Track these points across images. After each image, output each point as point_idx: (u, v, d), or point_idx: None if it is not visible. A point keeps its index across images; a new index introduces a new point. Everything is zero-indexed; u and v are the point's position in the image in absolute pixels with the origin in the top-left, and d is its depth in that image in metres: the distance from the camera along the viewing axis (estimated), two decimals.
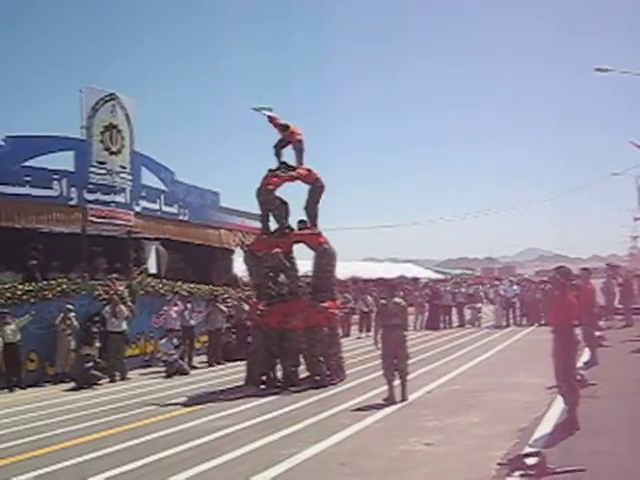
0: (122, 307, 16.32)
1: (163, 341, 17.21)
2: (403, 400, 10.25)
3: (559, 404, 8.60)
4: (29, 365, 15.65)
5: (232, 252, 25.18)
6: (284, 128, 14.35)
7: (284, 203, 14.28)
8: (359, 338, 23.37)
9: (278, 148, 14.42)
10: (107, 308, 16.26)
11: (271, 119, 14.60)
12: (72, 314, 15.99)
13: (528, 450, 6.73)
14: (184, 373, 16.21)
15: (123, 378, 15.92)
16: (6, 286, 15.70)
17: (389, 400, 10.21)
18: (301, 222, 14.34)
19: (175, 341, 16.85)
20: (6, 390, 14.74)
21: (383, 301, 11.23)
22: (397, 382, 10.42)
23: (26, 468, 7.52)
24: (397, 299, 10.90)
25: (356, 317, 26.97)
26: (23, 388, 14.96)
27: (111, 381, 15.62)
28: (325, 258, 13.75)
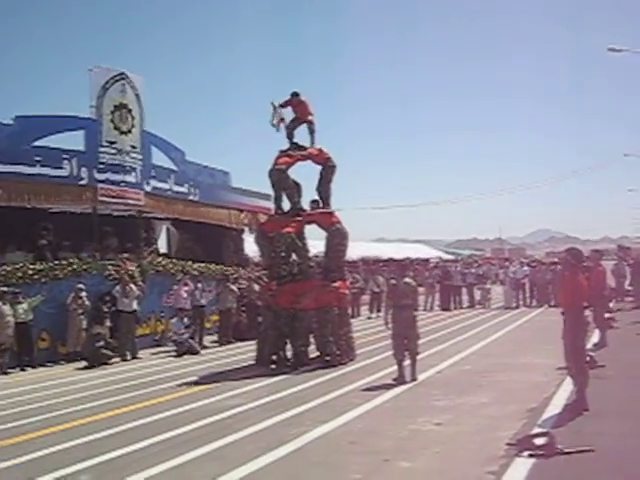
0: (132, 286, 16.37)
1: (174, 320, 17.28)
2: (413, 380, 10.28)
3: (568, 385, 8.60)
4: (41, 344, 15.74)
5: (242, 232, 25.22)
6: (295, 96, 14.28)
7: (296, 184, 14.27)
8: (369, 318, 23.41)
9: (290, 129, 14.37)
10: (117, 288, 16.30)
11: (283, 105, 14.47)
12: (83, 293, 16.08)
13: (537, 430, 6.76)
14: (194, 352, 16.28)
15: (134, 357, 16.01)
16: (17, 266, 15.76)
17: (399, 380, 10.24)
18: (314, 202, 14.32)
19: (185, 320, 16.92)
20: (18, 369, 14.86)
21: (393, 281, 11.24)
22: (407, 362, 10.45)
23: (37, 446, 7.59)
24: (407, 279, 10.90)
25: (366, 297, 26.95)
26: (34, 367, 15.07)
27: (122, 360, 15.70)
28: (337, 238, 13.74)
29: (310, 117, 14.35)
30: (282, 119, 14.38)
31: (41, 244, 17.51)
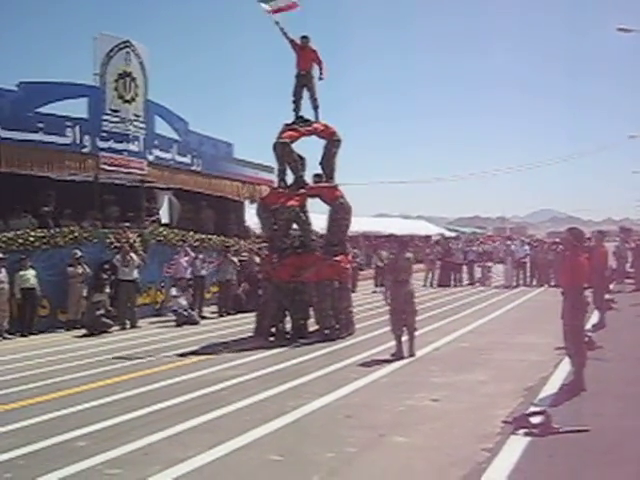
0: (133, 255, 16.36)
1: (173, 290, 17.33)
2: (411, 356, 10.30)
3: (566, 365, 8.62)
4: (41, 311, 15.79)
5: (243, 204, 25.21)
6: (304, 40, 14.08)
7: (301, 157, 14.19)
8: (374, 292, 23.45)
9: (298, 99, 14.18)
10: (118, 256, 16.31)
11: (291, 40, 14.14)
12: (81, 263, 16.05)
13: (533, 409, 6.77)
14: (194, 323, 16.32)
15: (133, 326, 16.06)
16: (19, 233, 15.75)
17: (396, 355, 10.26)
18: (317, 176, 14.26)
19: (182, 289, 16.94)
20: (18, 335, 14.91)
21: (392, 257, 11.22)
22: (405, 338, 10.46)
23: (35, 412, 7.62)
24: (407, 254, 10.87)
25: (364, 273, 27.03)
26: (34, 334, 15.13)
27: (121, 329, 15.76)
28: (340, 212, 13.70)
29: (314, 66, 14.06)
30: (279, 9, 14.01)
31: (43, 211, 17.49)
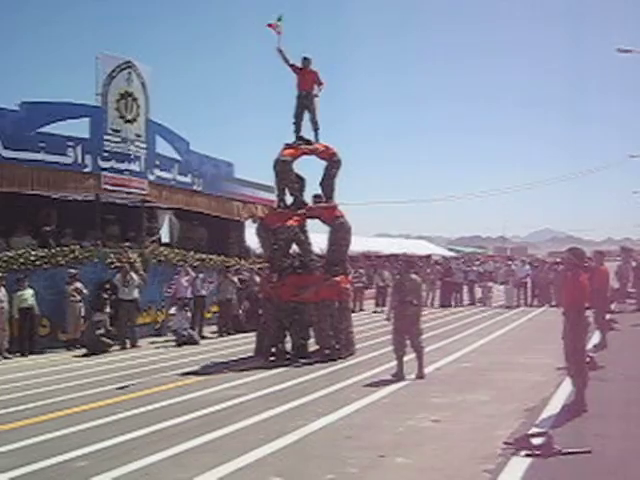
0: (133, 275, 16.37)
1: (173, 310, 17.32)
2: (419, 378, 10.21)
3: (568, 386, 8.58)
4: (41, 331, 15.79)
5: (244, 223, 25.25)
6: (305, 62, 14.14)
7: (300, 178, 14.22)
8: (375, 312, 23.41)
9: (298, 120, 14.25)
10: (118, 276, 16.31)
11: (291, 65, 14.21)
12: (78, 284, 16.04)
13: (535, 430, 6.75)
14: (194, 343, 16.29)
15: (133, 346, 16.03)
16: (19, 252, 15.78)
17: (397, 376, 10.22)
18: (316, 196, 14.28)
19: (184, 311, 16.93)
20: (18, 354, 14.89)
21: (398, 277, 11.16)
22: (406, 358, 10.43)
23: (35, 432, 7.60)
24: (413, 275, 10.84)
25: (365, 293, 26.97)
26: (35, 353, 15.10)
27: (122, 348, 15.74)
28: (340, 232, 13.72)
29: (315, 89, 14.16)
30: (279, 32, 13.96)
31: (44, 231, 17.53)
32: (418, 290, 10.78)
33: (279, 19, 14.06)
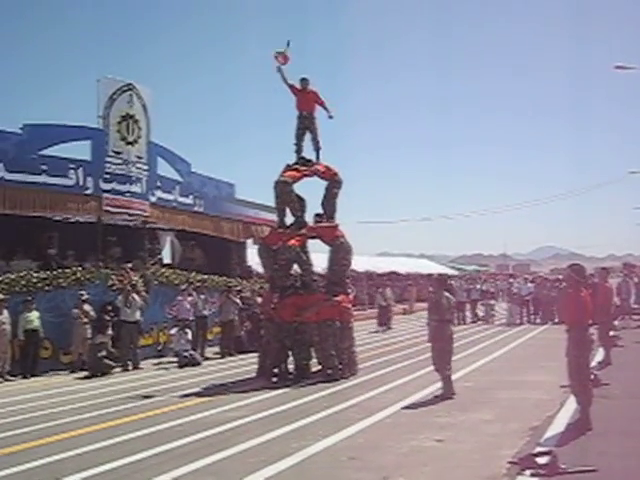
0: (135, 297, 16.36)
1: (173, 331, 17.29)
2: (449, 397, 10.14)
3: (572, 403, 8.53)
4: (43, 353, 15.76)
5: (245, 244, 25.27)
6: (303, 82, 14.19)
7: (301, 199, 14.24)
8: (376, 332, 23.33)
9: (300, 140, 14.29)
10: (120, 297, 16.30)
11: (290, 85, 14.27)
12: (87, 306, 16.05)
13: (539, 449, 6.69)
14: (196, 364, 16.24)
15: (135, 367, 15.98)
16: (21, 274, 15.80)
17: (447, 394, 10.06)
18: (318, 215, 14.30)
19: (185, 332, 16.89)
20: (20, 377, 14.85)
21: (433, 296, 10.96)
22: (408, 378, 10.36)
23: (35, 455, 7.55)
24: (447, 294, 10.73)
25: (367, 312, 26.96)
26: (37, 375, 15.07)
27: (124, 370, 15.69)
28: (341, 252, 13.72)
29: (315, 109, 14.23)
30: (286, 57, 14.03)
31: (48, 253, 17.56)
32: (452, 308, 10.72)
33: (287, 44, 14.10)
